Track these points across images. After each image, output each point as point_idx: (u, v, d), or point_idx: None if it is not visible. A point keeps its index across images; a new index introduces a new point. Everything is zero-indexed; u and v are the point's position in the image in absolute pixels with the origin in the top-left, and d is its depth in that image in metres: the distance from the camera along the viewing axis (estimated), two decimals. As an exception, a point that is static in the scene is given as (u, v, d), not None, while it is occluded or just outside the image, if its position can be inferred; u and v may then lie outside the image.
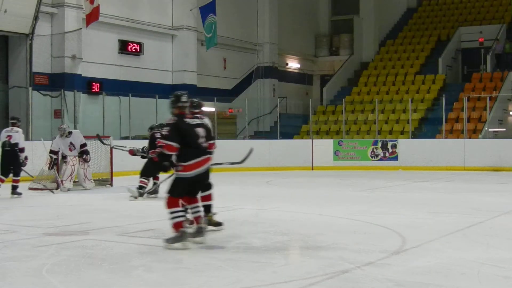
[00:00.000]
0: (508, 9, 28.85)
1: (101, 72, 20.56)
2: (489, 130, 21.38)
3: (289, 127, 24.19)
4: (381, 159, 20.41)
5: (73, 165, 13.09)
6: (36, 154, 15.58)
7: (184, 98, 6.75)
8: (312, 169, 20.48)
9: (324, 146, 20.91)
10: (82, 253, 6.05)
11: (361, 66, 29.17)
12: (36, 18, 17.84)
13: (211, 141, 6.77)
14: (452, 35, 27.96)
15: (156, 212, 9.39)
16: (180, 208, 6.42)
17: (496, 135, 22.02)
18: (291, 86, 29.21)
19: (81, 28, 19.15)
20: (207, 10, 22.46)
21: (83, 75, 19.58)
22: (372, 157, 20.46)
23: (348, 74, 29.07)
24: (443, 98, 21.14)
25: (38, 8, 17.72)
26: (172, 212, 6.39)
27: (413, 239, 6.75)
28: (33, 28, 17.95)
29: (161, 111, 20.65)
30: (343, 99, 23.72)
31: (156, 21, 22.54)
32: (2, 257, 5.88)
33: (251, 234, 7.19)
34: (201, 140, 6.53)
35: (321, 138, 23.00)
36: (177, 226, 6.35)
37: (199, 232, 6.41)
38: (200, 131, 6.57)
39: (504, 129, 22.98)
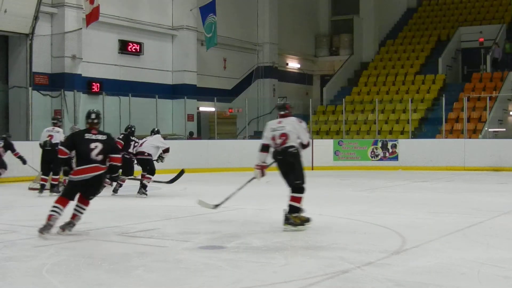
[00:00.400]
0: (508, 9, 28.86)
1: (101, 72, 20.56)
2: (489, 130, 21.38)
3: (289, 127, 24.15)
4: (381, 159, 20.42)
5: None
6: (36, 154, 15.57)
7: (92, 116, 7.82)
8: (312, 169, 20.46)
9: (324, 146, 20.92)
10: (82, 253, 6.05)
11: (361, 66, 29.18)
12: (36, 18, 17.84)
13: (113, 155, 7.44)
14: (452, 35, 27.96)
15: (156, 212, 9.40)
16: (57, 205, 7.15)
17: (496, 135, 22.02)
18: (291, 86, 29.21)
19: (81, 28, 19.16)
20: (207, 10, 22.46)
21: (83, 75, 19.59)
22: (372, 157, 20.47)
23: (348, 74, 29.08)
24: (443, 98, 21.14)
25: (38, 8, 17.73)
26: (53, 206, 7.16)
27: (413, 239, 6.75)
28: (33, 28, 17.95)
29: (161, 111, 20.69)
30: (343, 99, 23.73)
31: (156, 21, 22.55)
32: (2, 257, 5.87)
33: (251, 234, 7.19)
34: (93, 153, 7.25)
35: (321, 138, 23.02)
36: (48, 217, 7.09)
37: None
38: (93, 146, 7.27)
39: (504, 129, 22.98)
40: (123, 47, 21.35)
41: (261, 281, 4.98)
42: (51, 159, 11.95)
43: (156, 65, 22.60)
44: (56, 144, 11.79)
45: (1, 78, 18.75)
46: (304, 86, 30.53)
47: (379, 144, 20.50)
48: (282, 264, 5.60)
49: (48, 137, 12.23)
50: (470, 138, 20.59)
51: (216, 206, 8.06)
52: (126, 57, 21.53)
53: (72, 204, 7.27)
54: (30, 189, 13.09)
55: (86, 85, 19.78)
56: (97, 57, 20.46)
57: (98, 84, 20.12)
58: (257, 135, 24.96)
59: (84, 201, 7.35)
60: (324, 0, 31.56)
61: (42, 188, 12.18)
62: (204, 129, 23.35)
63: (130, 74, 21.59)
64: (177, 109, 22.18)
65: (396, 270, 5.29)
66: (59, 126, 12.51)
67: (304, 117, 25.50)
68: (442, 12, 30.84)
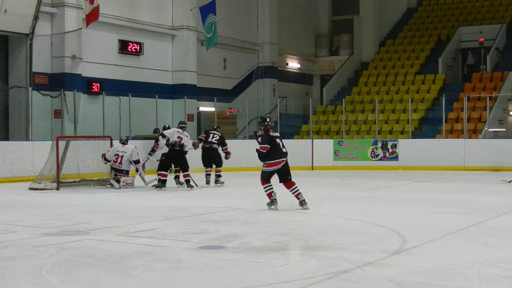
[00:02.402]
0: (508, 9, 28.86)
1: (101, 72, 20.55)
2: (489, 130, 21.38)
3: (289, 127, 24.19)
4: (381, 159, 20.41)
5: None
6: (36, 154, 15.61)
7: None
8: (312, 169, 20.48)
9: (324, 146, 20.91)
10: (82, 253, 6.05)
11: (361, 66, 29.18)
12: (36, 18, 17.83)
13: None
14: (452, 35, 27.96)
15: (156, 212, 9.40)
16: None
17: (496, 135, 22.02)
18: (291, 86, 29.21)
19: (81, 28, 19.15)
20: (207, 10, 22.45)
21: (83, 75, 19.57)
22: (372, 157, 20.46)
23: (348, 74, 29.08)
24: (443, 98, 21.14)
25: (38, 8, 17.72)
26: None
27: (413, 239, 6.75)
28: (33, 28, 17.94)
29: (161, 111, 20.68)
30: (343, 99, 23.73)
31: (156, 21, 22.54)
32: (2, 257, 5.88)
33: (251, 234, 7.19)
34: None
35: (321, 138, 23.01)
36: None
37: None
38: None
39: (504, 129, 22.98)
40: (123, 47, 21.34)
41: (261, 281, 4.98)
42: (177, 159, 13.28)
43: (156, 65, 22.59)
44: (183, 145, 13.31)
45: (1, 78, 18.74)
46: (304, 86, 30.53)
47: (379, 144, 20.50)
48: (282, 264, 5.60)
49: (177, 138, 13.34)
50: (470, 138, 20.59)
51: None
52: (126, 57, 21.52)
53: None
54: (30, 189, 13.09)
55: (86, 85, 19.77)
56: (97, 57, 20.45)
57: (98, 84, 20.10)
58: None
59: None
60: (324, 0, 31.56)
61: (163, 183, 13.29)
62: (204, 129, 23.32)
63: (130, 74, 21.58)
64: (177, 109, 22.18)
65: (396, 270, 5.29)
66: (185, 130, 13.77)
67: (304, 117, 25.62)
68: (442, 12, 30.84)
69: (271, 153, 9.24)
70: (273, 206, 9.36)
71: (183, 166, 13.27)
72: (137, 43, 21.74)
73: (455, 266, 5.40)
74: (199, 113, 23.43)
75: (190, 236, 7.01)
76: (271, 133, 9.38)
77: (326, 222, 8.23)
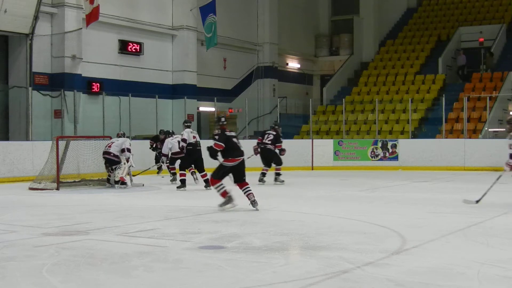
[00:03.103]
0: (508, 9, 28.86)
1: (101, 72, 20.55)
2: (489, 130, 21.38)
3: (289, 127, 24.18)
4: (381, 159, 20.41)
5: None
6: (36, 154, 15.61)
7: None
8: (312, 169, 20.49)
9: (324, 146, 20.92)
10: (82, 253, 6.05)
11: (361, 66, 29.17)
12: (36, 18, 17.83)
13: None
14: (452, 35, 27.96)
15: (156, 212, 9.40)
16: None
17: (496, 135, 22.01)
18: (291, 86, 29.21)
19: (81, 28, 19.15)
20: (207, 10, 22.45)
21: (83, 75, 19.58)
22: (372, 157, 20.47)
23: (348, 74, 29.08)
24: (443, 98, 21.14)
25: (38, 8, 17.72)
26: None
27: (413, 239, 6.74)
28: (33, 28, 17.95)
29: (161, 111, 20.69)
30: (343, 99, 23.73)
31: (156, 21, 22.55)
32: (2, 257, 5.87)
33: (251, 234, 7.19)
34: None
35: (321, 138, 23.01)
36: None
37: None
38: None
39: (504, 129, 22.94)
40: (123, 47, 21.35)
41: (261, 281, 4.98)
42: (197, 157, 13.49)
43: (156, 65, 22.60)
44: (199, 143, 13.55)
45: (1, 78, 18.74)
46: (304, 86, 30.54)
47: (379, 144, 20.50)
48: (282, 264, 5.60)
49: (193, 138, 13.46)
50: (470, 138, 20.58)
51: (477, 201, 9.81)
52: (126, 57, 21.52)
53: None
54: (30, 189, 13.09)
55: (86, 85, 19.78)
56: (97, 57, 20.46)
57: (98, 84, 20.11)
58: (257, 135, 24.97)
59: None
60: (324, 0, 31.56)
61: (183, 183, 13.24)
62: (204, 129, 23.35)
63: (130, 74, 21.58)
64: (177, 109, 22.18)
65: (396, 270, 5.28)
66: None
67: (304, 117, 25.62)
68: (442, 12, 30.84)
69: (230, 151, 9.42)
70: (230, 204, 9.32)
71: (202, 165, 13.52)
72: (137, 43, 21.75)
73: (455, 266, 5.40)
74: (199, 113, 23.43)
75: (190, 236, 7.01)
76: (228, 133, 9.56)
77: (326, 222, 8.23)
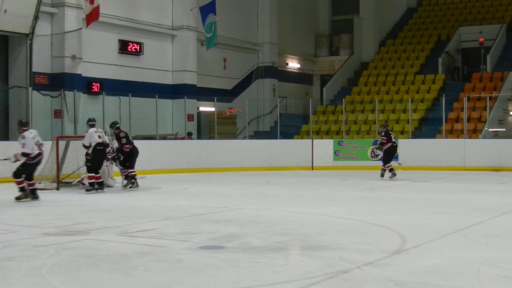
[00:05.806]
0: (508, 9, 28.86)
1: (101, 72, 20.55)
2: (489, 130, 21.37)
3: (289, 127, 24.19)
4: (381, 159, 20.36)
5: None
6: (36, 154, 15.53)
7: None
8: (312, 169, 20.48)
9: (324, 146, 20.91)
10: (82, 253, 6.05)
11: (361, 66, 29.18)
12: (36, 18, 17.83)
13: None
14: (452, 35, 27.97)
15: (156, 212, 9.40)
16: None
17: (496, 135, 22.02)
18: (291, 86, 29.21)
19: (81, 28, 19.15)
20: (207, 10, 22.45)
21: (83, 75, 19.58)
22: (372, 157, 20.45)
23: (348, 74, 29.08)
24: (443, 98, 21.13)
25: (38, 8, 17.72)
26: None
27: (413, 239, 6.75)
28: (33, 28, 17.95)
29: (161, 111, 20.68)
30: (343, 99, 23.72)
31: (156, 21, 22.54)
32: (2, 257, 5.88)
33: (251, 234, 7.19)
34: None
35: (321, 138, 23.00)
36: None
37: None
38: None
39: (504, 129, 22.97)
40: (123, 47, 21.35)
41: (261, 281, 4.98)
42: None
43: (156, 65, 22.60)
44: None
45: (1, 78, 18.74)
46: (304, 86, 30.53)
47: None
48: (282, 264, 5.60)
49: (99, 137, 12.98)
50: (470, 138, 20.58)
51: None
52: (126, 57, 21.52)
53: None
54: (30, 189, 13.06)
55: (86, 85, 19.78)
56: (97, 57, 20.45)
57: (98, 84, 20.11)
58: (257, 135, 24.99)
59: None
60: (324, 0, 31.56)
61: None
62: (204, 129, 23.34)
63: (130, 74, 21.58)
64: (177, 109, 22.18)
65: (396, 270, 5.29)
66: None
67: (304, 117, 25.62)
68: (442, 12, 30.85)
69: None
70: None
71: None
72: (137, 43, 21.75)
73: (455, 266, 5.40)
74: (199, 113, 23.43)
75: (190, 236, 7.00)
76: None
77: (326, 222, 8.23)
